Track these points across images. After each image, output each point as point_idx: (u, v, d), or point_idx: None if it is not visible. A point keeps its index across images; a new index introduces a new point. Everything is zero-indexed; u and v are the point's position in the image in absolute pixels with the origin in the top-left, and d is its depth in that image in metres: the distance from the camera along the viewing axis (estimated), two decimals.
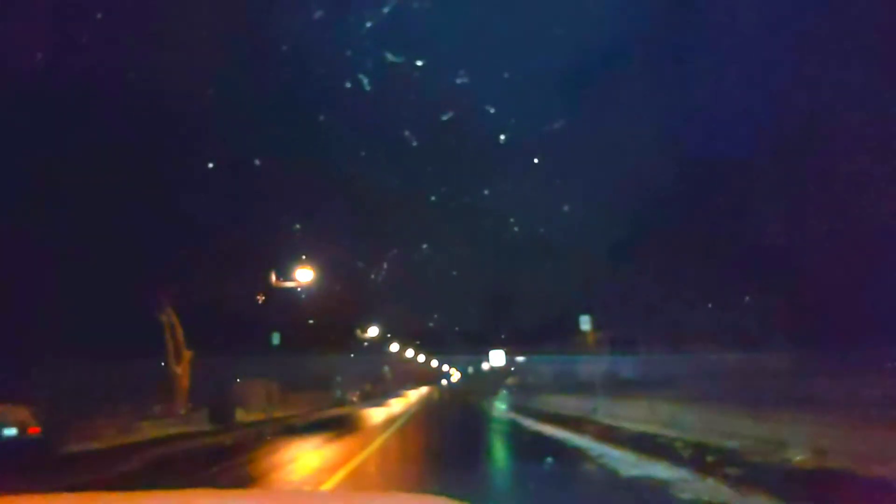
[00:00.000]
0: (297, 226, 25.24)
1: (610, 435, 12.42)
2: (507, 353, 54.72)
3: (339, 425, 24.41)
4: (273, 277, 23.21)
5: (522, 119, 21.85)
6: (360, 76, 15.87)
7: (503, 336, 55.76)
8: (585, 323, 18.09)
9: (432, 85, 17.51)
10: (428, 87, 17.71)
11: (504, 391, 45.67)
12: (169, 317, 24.05)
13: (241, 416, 27.17)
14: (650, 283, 30.38)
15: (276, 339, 23.73)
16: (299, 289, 24.65)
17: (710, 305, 26.93)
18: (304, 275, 23.90)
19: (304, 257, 23.78)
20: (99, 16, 16.90)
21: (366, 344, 53.34)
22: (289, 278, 23.81)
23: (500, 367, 57.68)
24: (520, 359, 55.93)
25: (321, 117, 21.09)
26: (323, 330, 38.27)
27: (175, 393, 23.97)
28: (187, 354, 24.56)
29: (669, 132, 22.98)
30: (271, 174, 23.04)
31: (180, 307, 24.26)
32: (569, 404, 22.60)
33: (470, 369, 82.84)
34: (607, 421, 15.35)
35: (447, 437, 16.54)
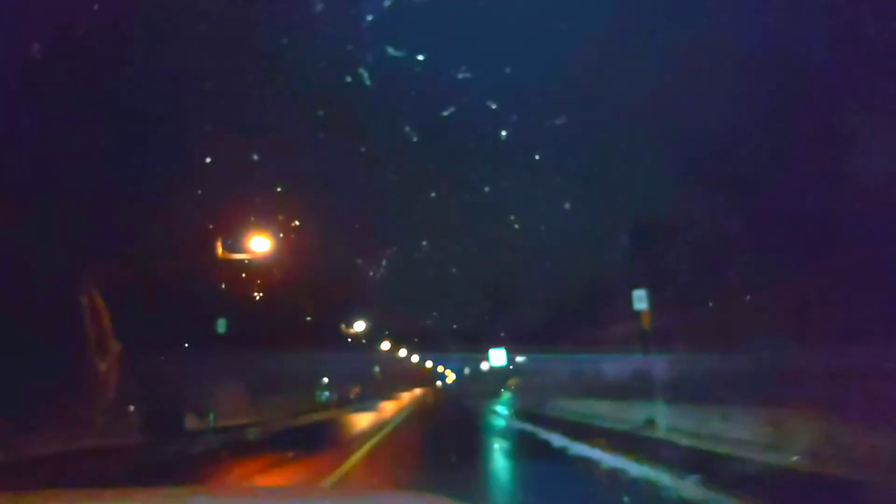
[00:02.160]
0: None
1: (740, 474, 7.13)
2: (507, 352, 49.97)
3: (311, 436, 19.44)
4: (219, 248, 18.02)
5: (525, 115, 20.78)
6: (361, 70, 15.71)
7: (502, 334, 51.21)
8: (641, 300, 12.89)
9: (434, 80, 17.45)
10: (429, 82, 17.66)
11: (507, 394, 40.71)
12: (92, 298, 18.80)
13: (192, 424, 22.00)
14: (686, 267, 25.44)
15: (221, 326, 18.52)
16: (249, 260, 19.35)
17: (763, 291, 21.90)
18: (258, 244, 18.63)
19: (256, 223, 18.57)
20: None
21: (350, 340, 48.32)
22: (240, 249, 18.57)
23: (500, 368, 52.61)
24: (520, 358, 51.06)
25: (320, 112, 20.41)
26: (301, 323, 33.17)
27: (96, 396, 18.73)
28: (115, 347, 19.29)
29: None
30: (264, 170, 20.97)
31: (108, 287, 19.06)
32: (600, 411, 17.57)
33: (467, 370, 77.97)
34: (686, 441, 10.26)
35: (445, 460, 11.32)
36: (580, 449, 11.33)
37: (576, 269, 34.66)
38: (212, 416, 18.56)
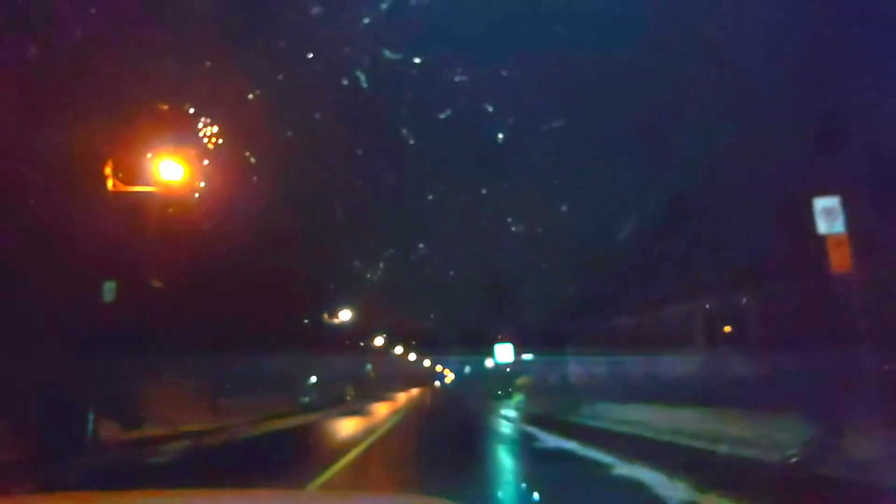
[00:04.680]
0: None
1: None
2: (514, 348, 44.68)
3: (257, 455, 13.70)
4: (109, 178, 12.07)
5: (522, 117, 21.16)
6: (357, 73, 15.80)
7: (499, 336, 46.80)
8: (832, 215, 6.64)
9: (430, 83, 18.27)
10: (426, 85, 18.45)
11: (519, 396, 35.03)
12: None
13: (110, 433, 16.10)
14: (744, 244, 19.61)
15: (109, 293, 12.57)
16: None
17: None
18: (169, 170, 12.62)
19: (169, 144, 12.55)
20: None
21: (338, 336, 42.86)
22: (142, 179, 12.52)
23: (506, 365, 46.93)
24: (527, 356, 45.83)
25: (317, 114, 20.98)
26: (269, 306, 27.21)
27: None
28: None
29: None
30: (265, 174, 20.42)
31: None
32: (684, 425, 11.69)
33: (467, 368, 72.56)
34: None
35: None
36: None
37: (589, 258, 30.45)
38: (91, 426, 12.57)
